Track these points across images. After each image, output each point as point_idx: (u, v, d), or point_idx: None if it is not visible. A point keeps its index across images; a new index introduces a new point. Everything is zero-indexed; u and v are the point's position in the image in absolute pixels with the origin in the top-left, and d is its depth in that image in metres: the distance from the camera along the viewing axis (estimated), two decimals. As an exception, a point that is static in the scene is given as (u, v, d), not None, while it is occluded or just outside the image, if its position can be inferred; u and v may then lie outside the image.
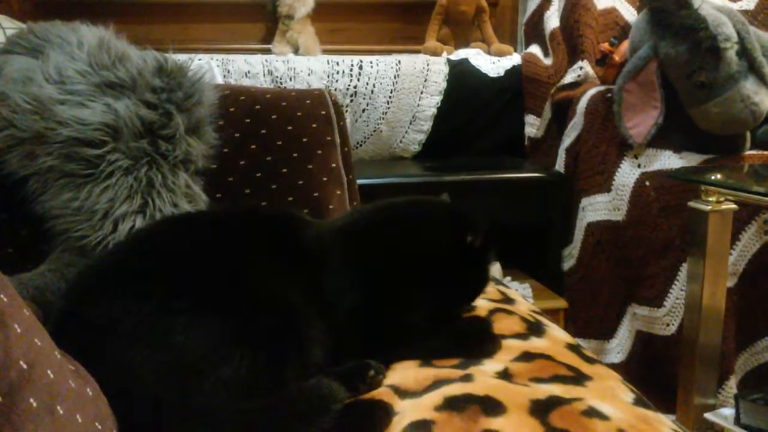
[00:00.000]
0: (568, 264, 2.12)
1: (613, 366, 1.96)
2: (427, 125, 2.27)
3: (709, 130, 1.78)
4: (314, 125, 1.27)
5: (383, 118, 2.24)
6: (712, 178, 1.53)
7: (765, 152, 1.85)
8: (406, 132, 2.27)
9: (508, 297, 1.18)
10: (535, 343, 0.99)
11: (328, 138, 1.28)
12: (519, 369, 0.91)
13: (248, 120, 1.27)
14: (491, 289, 1.18)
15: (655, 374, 1.85)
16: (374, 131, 2.24)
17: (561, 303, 2.09)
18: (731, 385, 1.75)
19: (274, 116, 1.27)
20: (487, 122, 2.32)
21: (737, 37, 1.72)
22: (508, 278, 2.17)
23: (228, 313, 0.84)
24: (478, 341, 0.98)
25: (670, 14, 1.72)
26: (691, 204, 1.53)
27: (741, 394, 1.61)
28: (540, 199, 2.14)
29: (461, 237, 0.98)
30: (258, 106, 1.28)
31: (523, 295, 2.10)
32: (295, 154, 1.25)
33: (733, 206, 1.52)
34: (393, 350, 0.95)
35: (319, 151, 1.27)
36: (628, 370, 1.94)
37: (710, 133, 1.79)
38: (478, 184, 2.10)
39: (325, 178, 1.27)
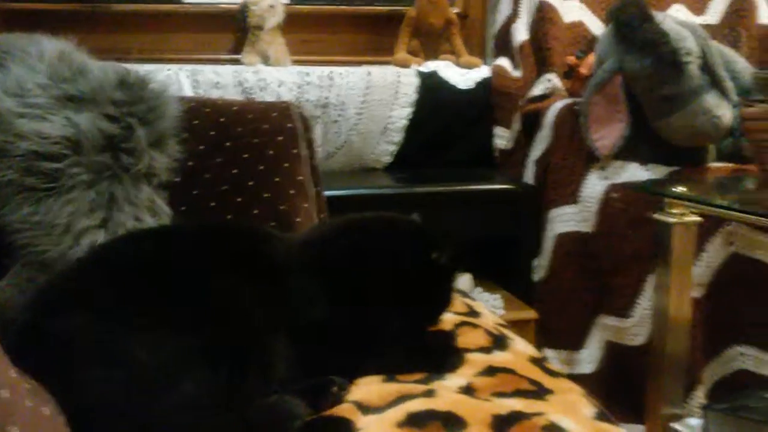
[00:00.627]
0: (538, 275, 2.14)
1: (584, 376, 1.97)
2: (399, 136, 2.28)
3: (674, 142, 1.81)
4: (280, 138, 1.27)
5: (355, 130, 2.24)
6: (676, 190, 1.55)
7: (729, 164, 1.88)
8: (377, 143, 2.28)
9: (474, 310, 1.18)
10: (499, 357, 1.00)
11: (295, 151, 1.28)
12: (482, 383, 0.91)
13: (213, 133, 1.27)
14: (457, 302, 1.18)
15: (625, 384, 1.87)
16: (346, 142, 2.24)
17: (532, 314, 2.10)
18: (699, 395, 1.76)
19: (239, 129, 1.26)
20: (458, 134, 2.33)
21: (699, 51, 1.75)
22: (480, 289, 2.18)
23: (190, 329, 0.83)
24: (442, 356, 0.98)
25: (633, 28, 1.75)
26: (656, 216, 1.55)
27: (708, 405, 1.63)
28: (510, 210, 2.15)
29: (427, 255, 0.99)
30: (223, 119, 1.28)
31: (494, 306, 2.12)
32: (261, 167, 1.25)
33: (698, 218, 1.54)
34: (358, 365, 0.94)
35: (286, 164, 1.26)
36: (599, 379, 1.95)
37: (676, 146, 1.82)
38: (449, 196, 2.12)
39: (292, 191, 1.26)
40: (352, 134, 2.24)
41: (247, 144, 1.26)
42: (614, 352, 1.90)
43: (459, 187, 2.14)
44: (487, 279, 2.25)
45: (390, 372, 0.94)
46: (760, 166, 1.56)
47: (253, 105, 1.32)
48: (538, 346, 2.03)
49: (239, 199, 1.24)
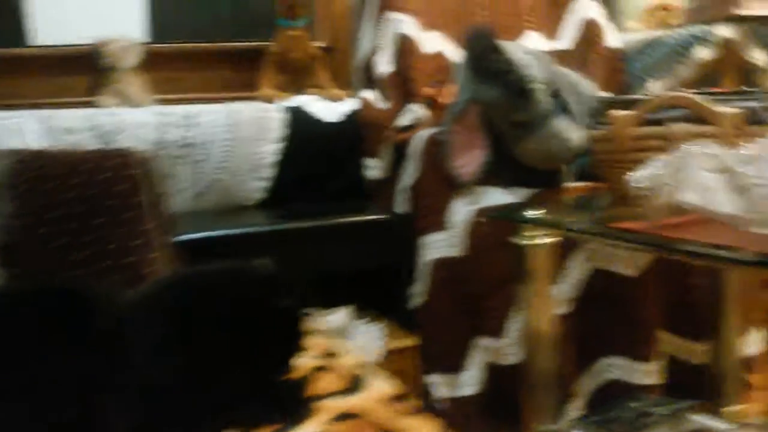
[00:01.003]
0: (417, 301, 2.15)
1: (468, 398, 1.99)
2: (269, 172, 2.25)
3: (531, 165, 1.87)
4: (120, 187, 1.22)
5: (222, 168, 2.19)
6: (529, 215, 1.59)
7: (585, 184, 1.96)
8: (247, 180, 2.24)
9: (333, 352, 1.16)
10: (354, 401, 0.98)
11: (138, 199, 1.23)
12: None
13: (50, 185, 1.20)
14: (317, 343, 1.16)
15: (507, 403, 1.89)
16: (214, 181, 2.19)
17: (413, 341, 2.10)
18: (575, 408, 1.82)
19: (76, 180, 1.20)
20: (330, 167, 2.33)
21: (546, 77, 1.82)
22: (364, 320, 2.17)
23: (18, 396, 0.79)
24: (294, 405, 0.96)
25: (482, 59, 1.81)
26: (514, 240, 1.59)
27: (582, 417, 1.68)
28: (386, 239, 2.16)
29: (272, 301, 0.98)
30: (60, 171, 1.21)
31: (375, 337, 2.11)
32: (102, 219, 1.19)
33: (553, 239, 1.59)
34: (207, 421, 0.91)
35: (128, 214, 1.21)
36: (482, 401, 1.97)
37: (534, 169, 1.88)
38: (323, 230, 2.11)
39: (137, 242, 1.21)
40: (220, 173, 2.19)
41: (85, 196, 1.20)
42: (493, 373, 1.93)
43: (333, 221, 2.13)
44: (370, 309, 2.25)
45: (241, 426, 0.91)
46: (607, 184, 1.63)
47: (91, 154, 1.26)
48: (423, 372, 2.04)
49: (81, 254, 1.18)
